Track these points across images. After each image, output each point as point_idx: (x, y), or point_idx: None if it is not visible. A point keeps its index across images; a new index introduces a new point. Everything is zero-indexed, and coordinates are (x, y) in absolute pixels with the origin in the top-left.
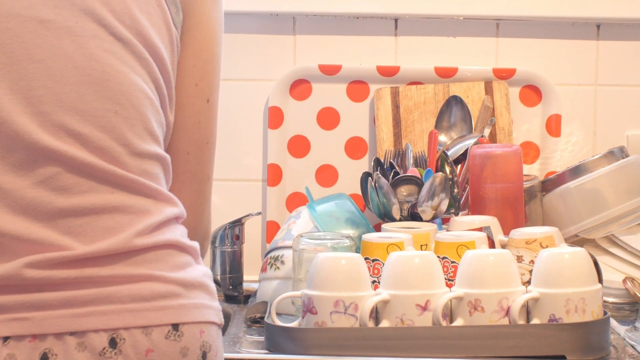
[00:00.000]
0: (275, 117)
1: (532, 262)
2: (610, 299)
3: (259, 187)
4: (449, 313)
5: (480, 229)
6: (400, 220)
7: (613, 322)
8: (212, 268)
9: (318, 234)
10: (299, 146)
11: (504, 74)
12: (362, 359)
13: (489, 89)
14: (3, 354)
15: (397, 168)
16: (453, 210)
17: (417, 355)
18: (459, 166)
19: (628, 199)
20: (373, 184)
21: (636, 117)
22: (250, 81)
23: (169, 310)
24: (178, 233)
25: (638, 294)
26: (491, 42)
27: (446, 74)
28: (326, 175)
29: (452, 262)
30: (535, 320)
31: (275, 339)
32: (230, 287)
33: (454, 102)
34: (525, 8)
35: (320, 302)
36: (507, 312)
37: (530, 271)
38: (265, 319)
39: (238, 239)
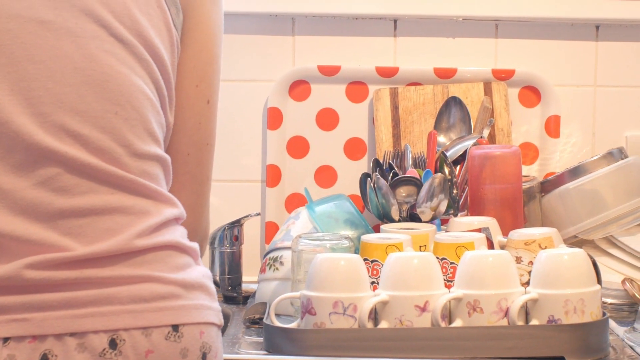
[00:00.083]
0: (274, 118)
1: (531, 263)
2: (609, 300)
3: (258, 187)
4: (448, 314)
5: (479, 230)
6: (399, 221)
7: (612, 323)
8: (211, 269)
9: (317, 234)
10: (298, 147)
11: (503, 75)
12: None
13: (488, 90)
14: (3, 355)
15: (396, 169)
16: (452, 211)
17: (415, 356)
18: (458, 167)
19: (627, 199)
20: (372, 184)
21: (635, 118)
22: (249, 82)
23: (168, 311)
24: (178, 234)
25: (637, 295)
26: (490, 43)
27: (445, 74)
28: (325, 176)
29: (451, 263)
30: (534, 321)
31: (274, 339)
32: (229, 288)
33: (453, 103)
34: (524, 9)
35: (319, 303)
36: (506, 313)
37: (529, 272)
38: (264, 320)
39: (237, 239)
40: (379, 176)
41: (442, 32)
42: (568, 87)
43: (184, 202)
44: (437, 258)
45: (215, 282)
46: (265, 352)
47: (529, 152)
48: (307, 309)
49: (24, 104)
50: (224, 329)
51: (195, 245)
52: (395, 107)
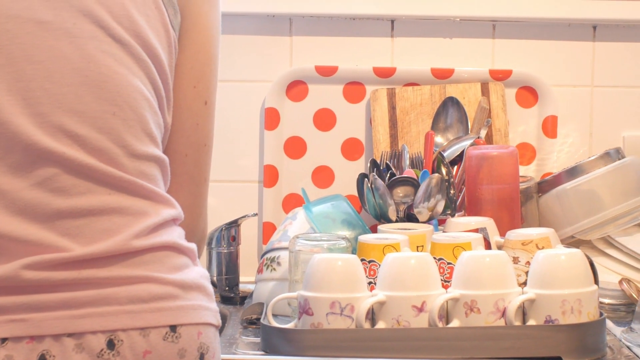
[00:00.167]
0: (271, 118)
1: (528, 263)
2: (606, 300)
3: (255, 188)
4: (445, 314)
5: (476, 230)
6: (396, 221)
7: (609, 324)
8: (209, 269)
9: (314, 235)
10: (295, 147)
11: (500, 75)
12: None
13: (485, 90)
14: (1, 355)
15: (393, 169)
16: (449, 212)
17: (413, 356)
18: (455, 167)
19: (624, 200)
20: (369, 185)
21: (632, 118)
22: (246, 82)
23: (166, 311)
24: (175, 235)
25: (634, 295)
26: (487, 43)
27: (442, 75)
28: (322, 176)
29: (448, 263)
30: (531, 322)
31: (272, 340)
32: (227, 288)
33: (450, 103)
34: (521, 9)
35: (316, 303)
36: (503, 314)
37: (527, 272)
38: (262, 320)
39: (234, 240)
40: (376, 176)
41: (439, 33)
42: (565, 88)
43: (182, 202)
44: (435, 258)
45: (212, 283)
46: (263, 353)
47: (526, 152)
48: (305, 309)
49: (22, 104)
50: (221, 330)
51: (192, 245)
52: (392, 108)
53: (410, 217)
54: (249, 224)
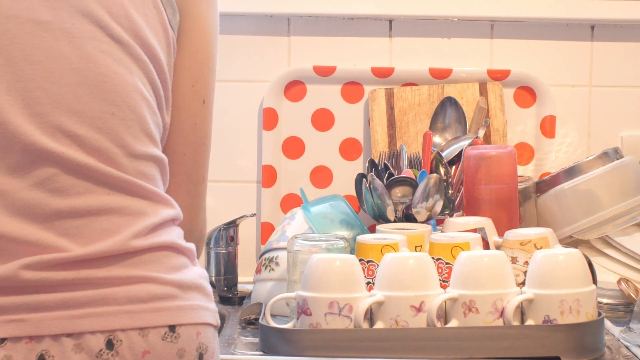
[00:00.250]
0: (269, 118)
1: (526, 263)
2: (605, 300)
3: (254, 188)
4: (444, 314)
5: (474, 230)
6: (394, 221)
7: (607, 323)
8: (207, 269)
9: (312, 235)
10: (293, 147)
11: (499, 75)
12: None
13: (483, 90)
14: (0, 355)
15: (391, 169)
16: (447, 212)
17: (411, 356)
18: (454, 167)
19: (622, 200)
20: (367, 185)
21: (630, 118)
22: (244, 82)
23: (165, 311)
24: (174, 235)
25: (632, 295)
26: (485, 43)
27: (441, 75)
28: (321, 176)
29: (447, 263)
30: (529, 322)
31: (270, 340)
32: (225, 288)
33: (449, 103)
34: (519, 9)
35: (314, 303)
36: (502, 313)
37: (525, 272)
38: (260, 321)
39: (232, 240)
40: (375, 177)
41: (437, 33)
42: (563, 88)
43: (180, 202)
44: (433, 258)
45: (210, 283)
46: (261, 353)
47: (525, 152)
48: (303, 309)
49: (21, 104)
50: (219, 330)
51: (191, 246)
52: (390, 108)
53: (408, 217)
54: (248, 224)
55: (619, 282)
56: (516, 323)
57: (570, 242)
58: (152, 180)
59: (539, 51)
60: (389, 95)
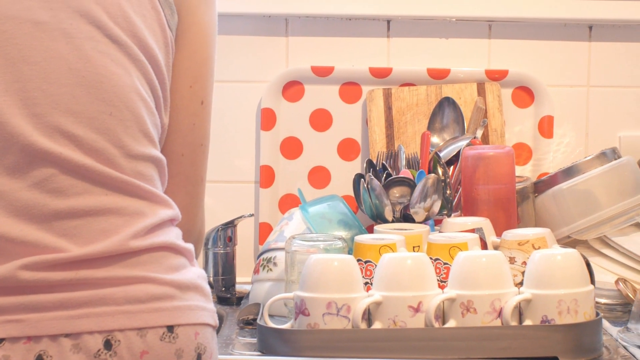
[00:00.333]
0: (267, 119)
1: (524, 263)
2: (603, 300)
3: (252, 188)
4: (442, 314)
5: (472, 231)
6: (392, 221)
7: (605, 323)
8: (205, 270)
9: (310, 235)
10: (291, 148)
11: (497, 76)
12: None
13: (481, 91)
14: None
15: (389, 169)
16: (445, 212)
17: (409, 356)
18: (452, 167)
19: (620, 200)
20: (365, 185)
21: (628, 118)
22: (242, 83)
23: (163, 312)
24: (173, 235)
25: (630, 295)
26: (483, 43)
27: (438, 75)
28: (319, 176)
29: (445, 263)
30: (527, 322)
31: (268, 340)
32: (223, 288)
33: (447, 103)
34: (517, 9)
35: (312, 303)
36: (500, 314)
37: (523, 272)
38: (258, 321)
39: (230, 240)
40: (373, 177)
41: (435, 33)
42: (561, 88)
43: (179, 203)
44: (431, 258)
45: (208, 283)
46: (259, 353)
47: (523, 152)
48: (301, 309)
49: (19, 104)
50: (217, 330)
51: (190, 246)
52: (388, 108)
53: (406, 218)
54: (246, 225)
55: (616, 282)
56: (514, 323)
57: (568, 242)
58: (150, 180)
59: (536, 51)
60: (387, 96)
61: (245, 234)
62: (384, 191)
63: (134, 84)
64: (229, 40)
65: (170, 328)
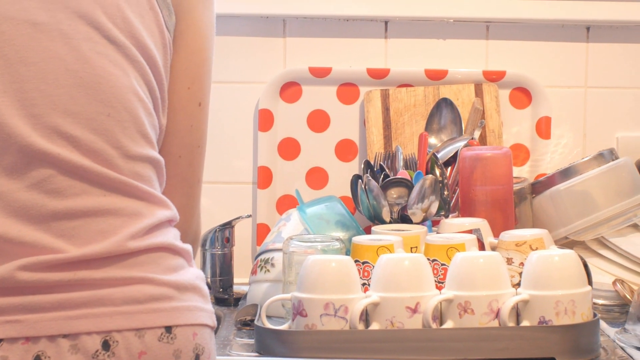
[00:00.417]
0: (265, 120)
1: (522, 264)
2: (600, 301)
3: (249, 189)
4: (439, 315)
5: (470, 231)
6: (390, 222)
7: (603, 324)
8: (202, 271)
9: (308, 236)
10: (289, 149)
11: (494, 77)
12: None
13: (479, 92)
14: None
15: (387, 170)
16: (443, 213)
17: (407, 357)
18: (449, 168)
19: (618, 201)
20: (363, 186)
21: (626, 119)
22: (240, 84)
23: (162, 312)
24: (171, 236)
25: (628, 296)
26: (481, 44)
27: (436, 76)
28: (316, 177)
29: (442, 264)
30: (525, 323)
31: (266, 341)
32: (221, 289)
33: (444, 104)
34: (515, 10)
35: (310, 304)
36: (497, 314)
37: (520, 273)
38: (256, 322)
39: (228, 241)
40: (370, 178)
41: (433, 34)
42: (559, 89)
43: (176, 204)
44: (428, 259)
45: (206, 284)
46: (257, 354)
47: (520, 153)
48: (298, 310)
49: (17, 105)
50: (215, 331)
51: (188, 247)
52: (386, 109)
53: (404, 219)
54: (243, 226)
55: (614, 283)
56: (512, 324)
57: (565, 243)
58: (148, 181)
59: (534, 52)
60: (385, 97)
61: (242, 235)
62: (381, 192)
63: (132, 84)
64: (227, 41)
65: (168, 329)
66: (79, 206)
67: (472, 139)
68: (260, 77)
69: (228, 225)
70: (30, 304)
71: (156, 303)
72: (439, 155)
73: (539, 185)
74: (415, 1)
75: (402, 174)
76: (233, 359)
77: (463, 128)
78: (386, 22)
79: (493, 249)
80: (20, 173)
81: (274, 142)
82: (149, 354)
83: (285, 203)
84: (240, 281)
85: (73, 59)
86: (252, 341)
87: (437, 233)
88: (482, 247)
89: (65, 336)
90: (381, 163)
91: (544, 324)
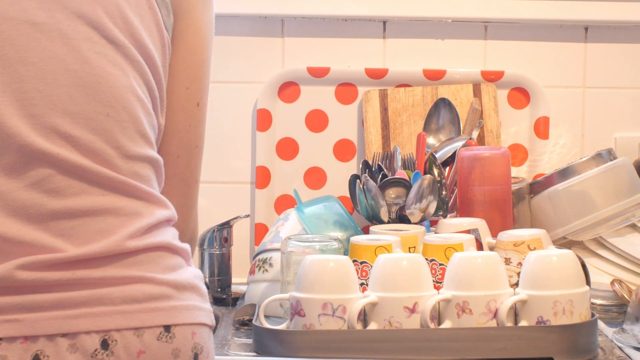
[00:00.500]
0: (263, 120)
1: (520, 264)
2: (598, 301)
3: (248, 189)
4: (437, 315)
5: (468, 231)
6: (388, 222)
7: (601, 324)
8: (201, 270)
9: (306, 236)
10: (287, 148)
11: (492, 77)
12: None
13: (477, 92)
14: None
15: (385, 170)
16: (441, 213)
17: (405, 357)
18: (447, 168)
19: (616, 201)
20: (361, 186)
21: (624, 119)
22: (238, 83)
23: (160, 311)
24: (169, 235)
25: (626, 296)
26: (479, 44)
27: (434, 76)
28: (315, 177)
29: (440, 264)
30: (523, 323)
31: (264, 341)
32: (219, 289)
33: (442, 104)
34: (513, 10)
35: (308, 304)
36: (495, 315)
37: (518, 273)
38: (254, 322)
39: (226, 241)
40: (368, 178)
41: (431, 34)
42: (557, 89)
43: (174, 203)
44: (426, 259)
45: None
46: (255, 354)
47: (518, 153)
48: (297, 310)
49: (16, 105)
50: (213, 331)
51: (186, 246)
52: (384, 109)
53: (402, 218)
54: (241, 225)
55: (612, 283)
56: (510, 324)
57: (563, 243)
58: (147, 181)
59: (532, 52)
60: (383, 97)
61: (241, 234)
62: (379, 192)
63: (131, 84)
64: (225, 41)
65: (167, 328)
66: (78, 206)
67: (471, 139)
68: (259, 77)
69: (226, 225)
70: (29, 303)
71: (155, 302)
72: (437, 155)
73: (537, 186)
74: (414, 1)
75: (401, 174)
76: (231, 358)
77: (461, 128)
78: (384, 22)
79: (491, 249)
80: (19, 172)
81: (272, 142)
82: (147, 353)
83: (284, 203)
84: (239, 281)
85: (72, 59)
86: (250, 341)
87: (435, 233)
88: (480, 247)
89: (64, 335)
90: (379, 163)
91: (542, 324)
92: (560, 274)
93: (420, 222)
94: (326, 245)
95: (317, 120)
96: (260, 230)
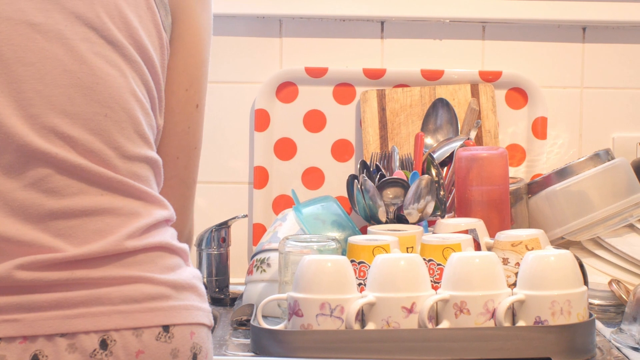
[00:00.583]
0: (261, 120)
1: (517, 264)
2: (596, 301)
3: (246, 189)
4: (435, 315)
5: (466, 232)
6: (386, 222)
7: (598, 324)
8: (198, 270)
9: (304, 236)
10: (285, 149)
11: (490, 77)
12: None
13: (475, 92)
14: None
15: (383, 170)
16: (439, 213)
17: (402, 357)
18: (445, 169)
19: (613, 201)
20: (359, 186)
21: (622, 120)
22: (236, 84)
23: (159, 311)
24: (168, 235)
25: (623, 296)
26: (477, 44)
27: (432, 76)
28: (312, 177)
29: (438, 264)
30: (520, 323)
31: (261, 341)
32: (217, 289)
33: (440, 104)
34: (511, 11)
35: (306, 304)
36: (493, 315)
37: (516, 273)
38: (252, 322)
39: (224, 241)
40: (366, 178)
41: (429, 34)
42: (555, 89)
43: (172, 204)
44: (424, 259)
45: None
46: (253, 354)
47: (516, 153)
48: (294, 310)
49: (14, 105)
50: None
51: (185, 246)
52: (382, 109)
53: (400, 219)
54: (239, 226)
55: (610, 283)
56: (507, 324)
57: (561, 243)
58: (145, 181)
59: (530, 53)
60: (381, 97)
61: (238, 234)
62: (377, 192)
63: (130, 85)
64: (223, 41)
65: (166, 328)
66: (76, 205)
67: (468, 139)
68: (257, 77)
69: (224, 225)
70: (28, 303)
71: (154, 302)
72: (435, 156)
73: (535, 186)
74: (412, 1)
75: (398, 174)
76: (229, 358)
77: (459, 128)
78: (382, 23)
79: (489, 249)
80: (18, 172)
81: (270, 142)
82: (146, 353)
83: (282, 203)
84: (236, 281)
85: (70, 59)
86: (248, 341)
87: (433, 233)
88: (478, 247)
89: (62, 335)
90: (377, 163)
91: (540, 324)
92: (558, 274)
93: (418, 222)
94: (324, 246)
95: (315, 121)
96: (258, 231)
